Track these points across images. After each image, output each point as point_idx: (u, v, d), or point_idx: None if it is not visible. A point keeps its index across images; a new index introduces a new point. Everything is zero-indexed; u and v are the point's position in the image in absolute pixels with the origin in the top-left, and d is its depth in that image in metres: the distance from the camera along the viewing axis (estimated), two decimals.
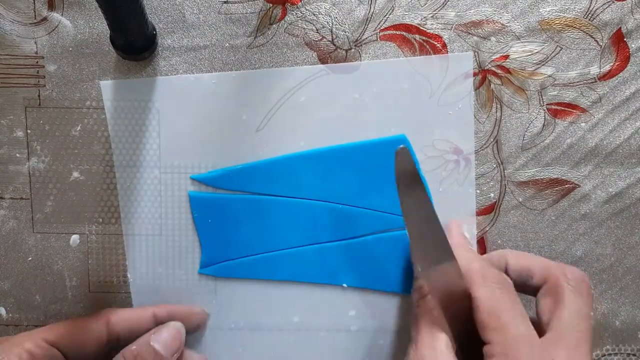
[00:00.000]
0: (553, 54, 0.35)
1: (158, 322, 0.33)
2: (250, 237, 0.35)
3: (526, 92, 0.35)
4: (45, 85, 0.35)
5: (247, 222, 0.35)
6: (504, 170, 0.35)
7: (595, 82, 0.35)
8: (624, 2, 0.35)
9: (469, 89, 0.35)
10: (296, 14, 0.35)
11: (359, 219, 0.35)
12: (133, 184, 0.35)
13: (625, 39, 0.35)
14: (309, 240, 0.35)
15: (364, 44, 0.35)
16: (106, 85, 0.35)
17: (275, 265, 0.35)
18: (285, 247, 0.35)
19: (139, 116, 0.35)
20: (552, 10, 0.35)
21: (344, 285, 0.35)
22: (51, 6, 0.35)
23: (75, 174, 0.35)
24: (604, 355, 0.36)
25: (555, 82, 0.35)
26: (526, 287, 0.32)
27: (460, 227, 0.35)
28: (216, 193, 0.35)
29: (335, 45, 0.35)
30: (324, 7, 0.35)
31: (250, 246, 0.35)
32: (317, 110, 0.35)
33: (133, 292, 0.35)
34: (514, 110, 0.35)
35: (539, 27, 0.35)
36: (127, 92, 0.35)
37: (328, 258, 0.35)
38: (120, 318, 0.32)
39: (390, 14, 0.35)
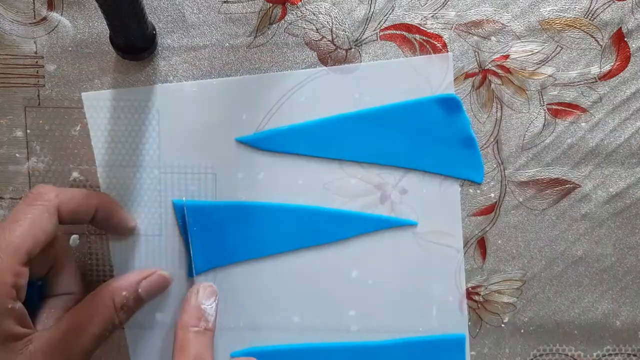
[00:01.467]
0: (553, 54, 0.35)
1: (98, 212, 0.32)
2: (238, 243, 0.35)
3: (526, 91, 0.35)
4: (44, 85, 0.35)
5: (234, 228, 0.35)
6: (504, 170, 0.35)
7: (596, 81, 0.35)
8: (624, 2, 0.35)
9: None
10: (296, 13, 0.35)
11: (353, 221, 0.35)
12: (133, 184, 0.35)
13: (625, 39, 0.35)
14: (299, 245, 0.35)
15: (364, 43, 0.35)
16: (91, 96, 0.35)
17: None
18: (276, 252, 0.35)
19: (139, 116, 0.35)
20: (552, 10, 0.35)
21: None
22: (51, 6, 0.35)
23: (75, 174, 0.35)
24: (605, 355, 0.36)
25: (556, 82, 0.35)
26: None
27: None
28: (201, 201, 0.35)
29: (335, 45, 0.35)
30: (324, 7, 0.35)
31: (239, 252, 0.35)
32: (317, 110, 0.35)
33: None
34: (514, 110, 0.35)
35: (540, 26, 0.35)
36: (125, 95, 0.35)
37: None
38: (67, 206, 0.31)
39: (390, 14, 0.35)
